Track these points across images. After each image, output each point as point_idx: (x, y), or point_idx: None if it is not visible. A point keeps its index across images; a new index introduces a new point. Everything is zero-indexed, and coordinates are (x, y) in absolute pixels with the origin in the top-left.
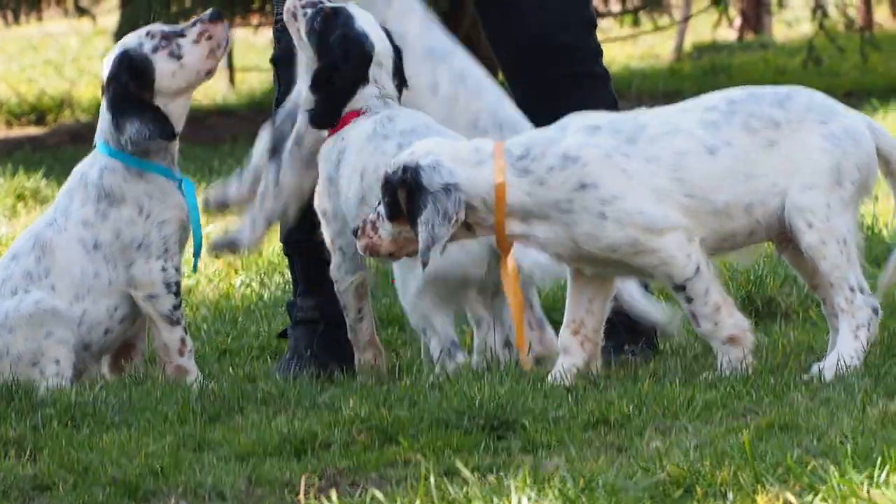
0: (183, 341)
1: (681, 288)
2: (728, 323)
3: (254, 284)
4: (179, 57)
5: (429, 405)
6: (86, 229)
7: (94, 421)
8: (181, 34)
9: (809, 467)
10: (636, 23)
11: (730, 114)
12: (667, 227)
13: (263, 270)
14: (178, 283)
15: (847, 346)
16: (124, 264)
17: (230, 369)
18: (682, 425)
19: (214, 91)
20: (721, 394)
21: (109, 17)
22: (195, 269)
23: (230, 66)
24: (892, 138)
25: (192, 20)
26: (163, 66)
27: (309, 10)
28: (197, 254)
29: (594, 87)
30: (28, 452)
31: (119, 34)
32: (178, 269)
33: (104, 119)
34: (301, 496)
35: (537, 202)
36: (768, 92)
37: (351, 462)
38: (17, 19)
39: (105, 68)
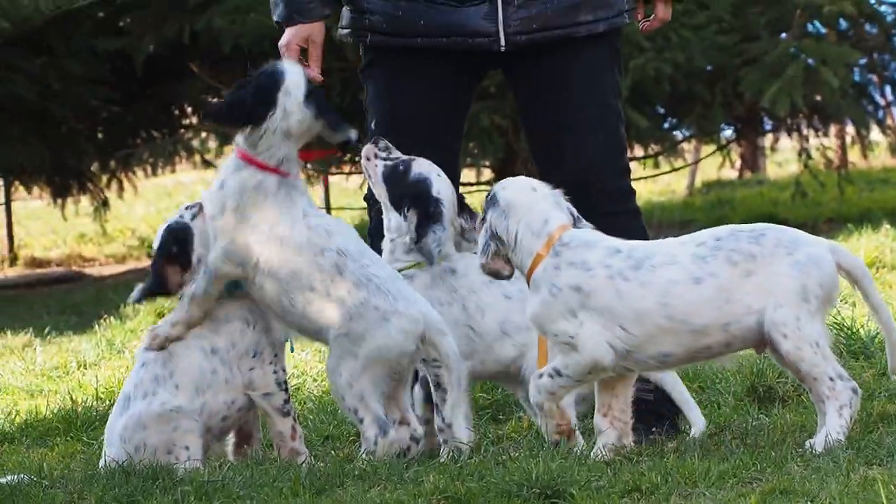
0: (294, 429)
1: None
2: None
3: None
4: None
5: (494, 478)
6: (202, 339)
7: (223, 495)
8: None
9: None
10: (656, 165)
11: (716, 249)
12: (587, 353)
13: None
14: (286, 381)
15: (833, 424)
16: (241, 368)
17: (332, 451)
18: (701, 492)
19: None
20: (732, 465)
21: None
22: (292, 349)
23: (328, 207)
24: (850, 256)
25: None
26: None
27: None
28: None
29: (628, 222)
30: None
31: None
32: (284, 369)
33: None
34: None
35: (546, 276)
36: (746, 230)
37: None
38: (154, 172)
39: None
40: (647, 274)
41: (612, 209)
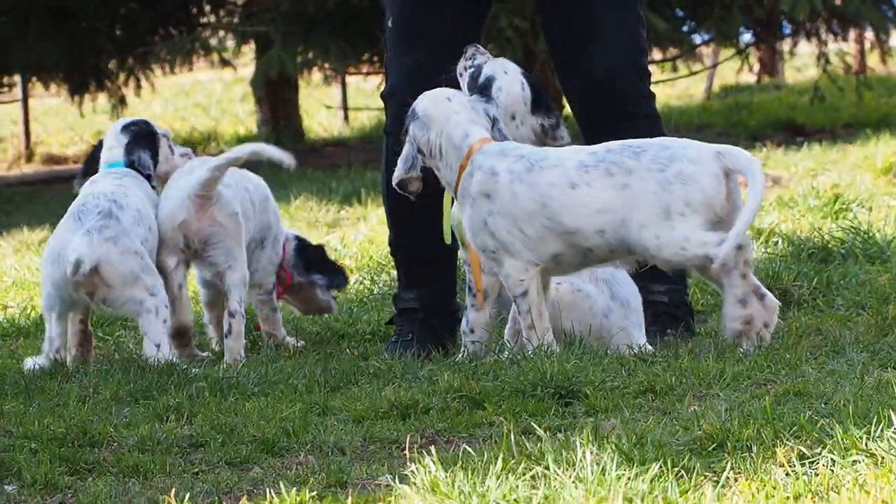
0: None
1: (514, 299)
2: (535, 339)
3: (365, 281)
4: (172, 151)
5: (509, 378)
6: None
7: (238, 391)
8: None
9: (818, 425)
10: (674, 69)
11: (600, 160)
12: (508, 256)
13: (374, 269)
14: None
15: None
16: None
17: (347, 349)
18: (715, 393)
19: (332, 126)
20: (746, 367)
21: (247, 68)
22: None
23: (345, 107)
24: (738, 158)
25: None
26: (163, 149)
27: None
28: None
29: (647, 126)
30: (185, 417)
31: (254, 82)
32: None
33: None
34: (407, 451)
35: (465, 188)
36: (636, 144)
37: (446, 424)
38: (172, 70)
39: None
40: (535, 175)
41: (632, 112)
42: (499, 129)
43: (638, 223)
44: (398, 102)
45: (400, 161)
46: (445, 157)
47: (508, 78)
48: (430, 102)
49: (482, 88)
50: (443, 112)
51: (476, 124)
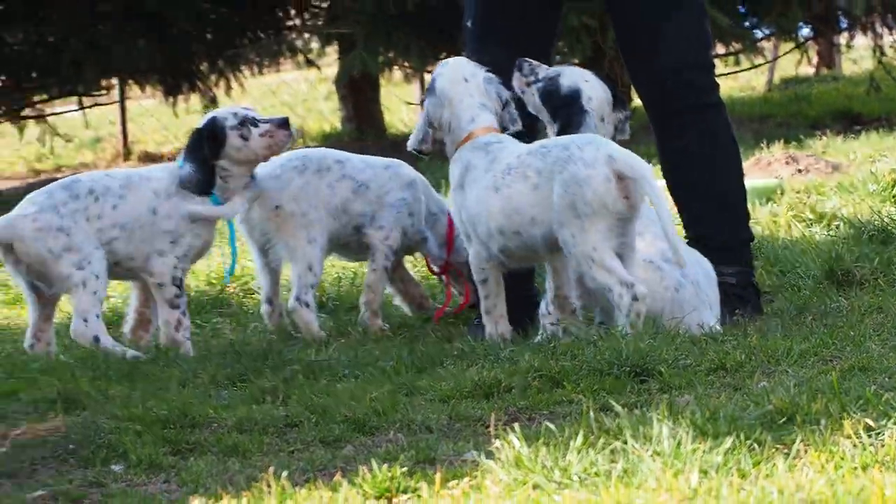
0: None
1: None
2: (489, 326)
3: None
4: (246, 139)
5: (586, 357)
6: (156, 196)
7: (330, 374)
8: (255, 124)
9: (883, 399)
10: (737, 62)
11: (522, 163)
12: (473, 244)
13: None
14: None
15: (622, 325)
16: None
17: (432, 333)
18: (784, 369)
19: (412, 122)
20: (813, 344)
21: (331, 67)
22: (227, 281)
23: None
24: (628, 163)
25: (269, 118)
26: (232, 140)
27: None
28: (231, 272)
29: (713, 114)
30: (280, 399)
31: (338, 81)
32: (185, 272)
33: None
34: (491, 428)
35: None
36: (550, 144)
37: (528, 402)
38: (260, 71)
39: (199, 122)
40: (483, 177)
41: (698, 102)
42: (509, 111)
43: (558, 222)
44: None
45: (413, 132)
46: (451, 136)
47: (590, 85)
48: (448, 82)
49: (570, 102)
50: (457, 93)
51: (485, 109)
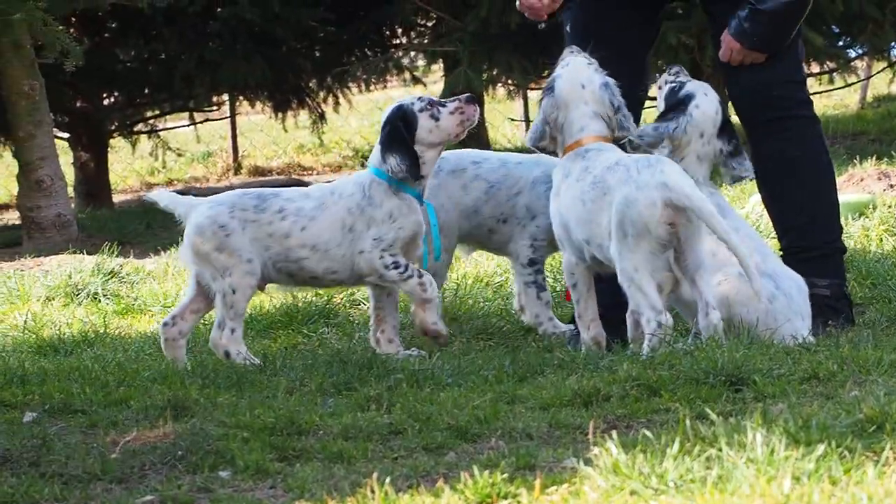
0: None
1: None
2: (581, 325)
3: (549, 281)
4: (437, 119)
5: (683, 367)
6: (348, 214)
7: (434, 382)
8: (443, 104)
9: None
10: (831, 81)
11: (600, 179)
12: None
13: (556, 269)
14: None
15: (645, 349)
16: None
17: (533, 343)
18: (874, 379)
19: (515, 137)
20: None
21: (436, 84)
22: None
23: (526, 119)
24: (683, 192)
25: (453, 97)
26: (424, 122)
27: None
28: (437, 258)
29: (804, 125)
30: (385, 407)
31: (443, 97)
32: (395, 256)
33: (376, 150)
34: (589, 436)
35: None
36: (622, 161)
37: (626, 410)
38: (367, 87)
39: (384, 116)
40: (574, 186)
41: (789, 114)
42: (620, 119)
43: (611, 237)
44: None
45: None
46: (561, 138)
47: (707, 99)
48: (567, 85)
49: (680, 102)
50: (574, 99)
51: (596, 118)
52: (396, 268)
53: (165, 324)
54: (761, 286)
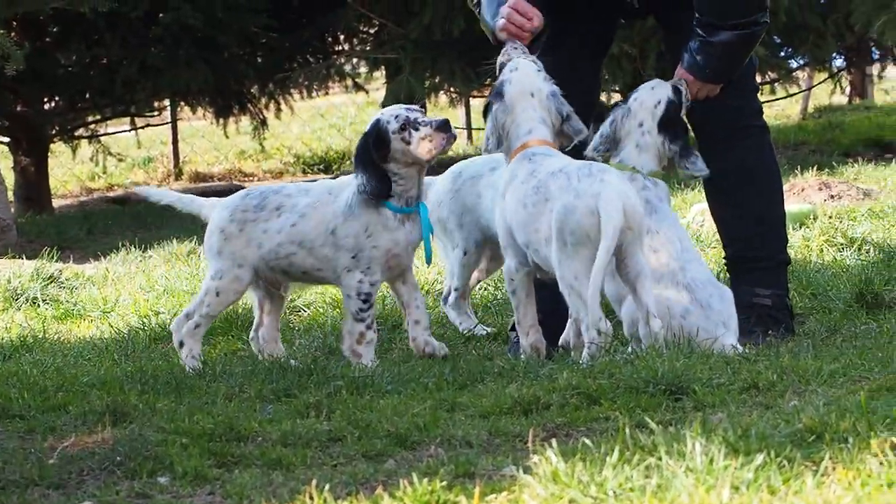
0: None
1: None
2: (520, 331)
3: (489, 288)
4: (409, 143)
5: (623, 376)
6: (334, 218)
7: (373, 389)
8: (417, 126)
9: None
10: (773, 91)
11: (543, 185)
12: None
13: (497, 277)
14: (368, 294)
15: (584, 356)
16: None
17: (473, 351)
18: (814, 389)
19: (457, 145)
20: (842, 365)
21: (378, 91)
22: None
23: (469, 127)
24: (629, 203)
25: (429, 119)
26: (396, 145)
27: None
28: (428, 261)
29: (757, 136)
30: (324, 413)
31: (385, 104)
32: (373, 284)
33: None
34: (529, 444)
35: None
36: (565, 168)
37: (566, 419)
38: (309, 94)
39: (367, 125)
40: (519, 189)
41: (746, 123)
42: (571, 125)
43: (551, 245)
44: None
45: (485, 137)
46: (507, 143)
47: (651, 93)
48: (517, 92)
49: (625, 99)
50: (521, 106)
51: (543, 124)
52: (364, 301)
53: (252, 339)
54: (657, 322)
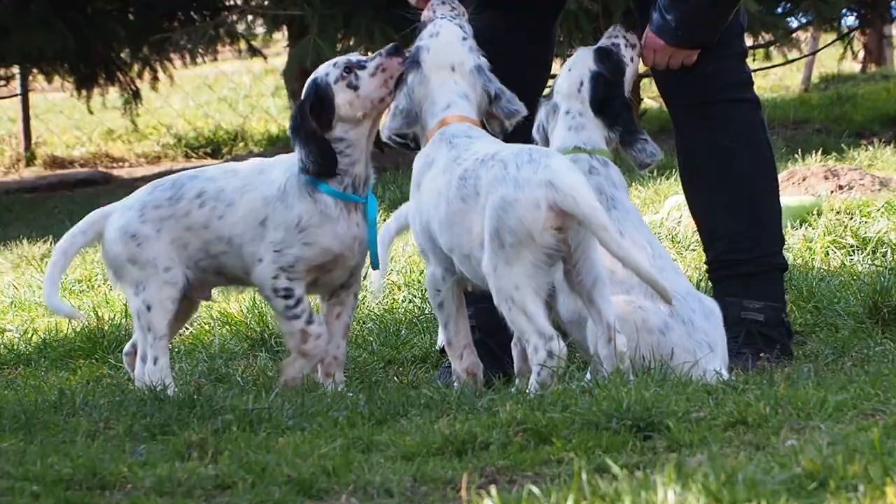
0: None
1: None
2: (451, 353)
3: (416, 300)
4: (356, 88)
5: (580, 408)
6: (264, 205)
7: (271, 425)
8: (362, 66)
9: None
10: (768, 57)
11: (470, 174)
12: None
13: (424, 287)
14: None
15: (532, 381)
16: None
17: (395, 377)
18: (816, 425)
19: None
20: (851, 396)
21: (279, 57)
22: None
23: None
24: (569, 196)
25: (374, 54)
26: (342, 96)
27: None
28: (374, 266)
29: (745, 111)
30: (210, 455)
31: (287, 73)
32: (292, 280)
33: None
34: (463, 492)
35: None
36: (498, 155)
37: (509, 461)
38: (193, 60)
39: (303, 91)
40: (439, 178)
41: (729, 97)
42: (503, 105)
43: (484, 250)
44: None
45: (391, 114)
46: (422, 122)
47: (569, 76)
48: (434, 64)
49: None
50: (439, 79)
51: (464, 99)
52: (287, 297)
53: (127, 354)
54: (669, 294)
